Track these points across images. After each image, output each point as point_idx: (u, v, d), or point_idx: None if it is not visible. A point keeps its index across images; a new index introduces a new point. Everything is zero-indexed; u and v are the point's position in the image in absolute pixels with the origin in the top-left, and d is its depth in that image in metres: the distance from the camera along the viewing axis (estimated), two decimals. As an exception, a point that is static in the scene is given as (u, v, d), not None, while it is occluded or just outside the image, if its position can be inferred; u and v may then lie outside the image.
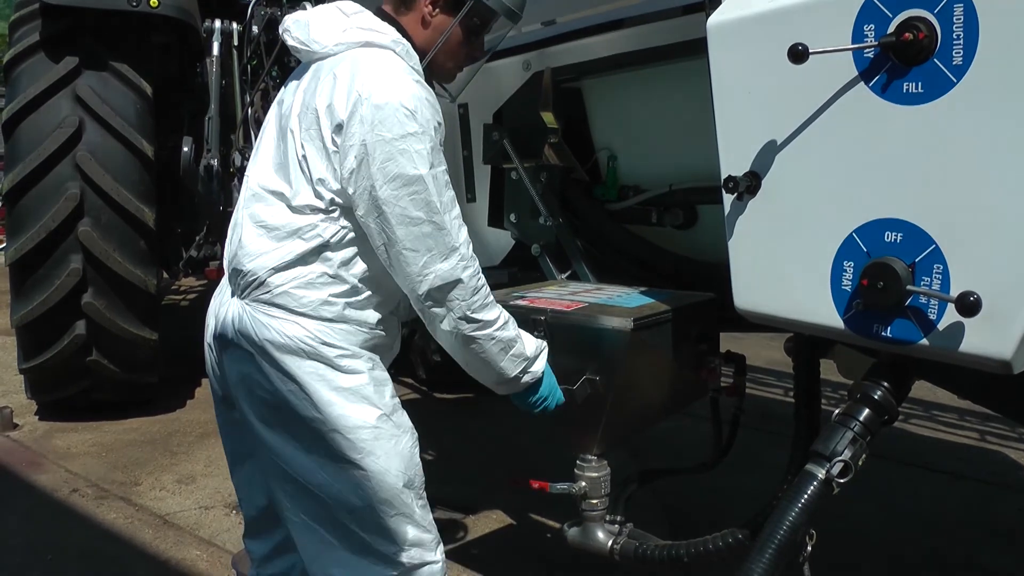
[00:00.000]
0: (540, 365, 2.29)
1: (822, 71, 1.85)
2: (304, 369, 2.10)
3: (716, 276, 2.34)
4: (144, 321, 5.41)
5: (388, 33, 2.20)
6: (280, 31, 2.30)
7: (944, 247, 1.75)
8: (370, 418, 2.14)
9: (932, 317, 1.77)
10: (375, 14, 2.26)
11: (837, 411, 1.97)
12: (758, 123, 1.98)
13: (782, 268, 1.99)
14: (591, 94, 3.37)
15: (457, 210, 2.12)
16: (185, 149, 5.10)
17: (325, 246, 2.10)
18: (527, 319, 2.43)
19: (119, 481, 4.68)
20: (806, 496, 1.85)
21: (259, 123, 5.57)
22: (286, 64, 5.71)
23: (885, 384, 1.96)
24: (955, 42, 1.71)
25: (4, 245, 5.84)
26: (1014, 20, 1.65)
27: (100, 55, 5.31)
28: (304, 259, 2.10)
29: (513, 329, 2.22)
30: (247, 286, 2.14)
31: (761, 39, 1.94)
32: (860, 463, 1.90)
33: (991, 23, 1.67)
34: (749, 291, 2.07)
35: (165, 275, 6.58)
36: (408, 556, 2.18)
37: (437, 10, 2.26)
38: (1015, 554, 4.03)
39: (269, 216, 2.13)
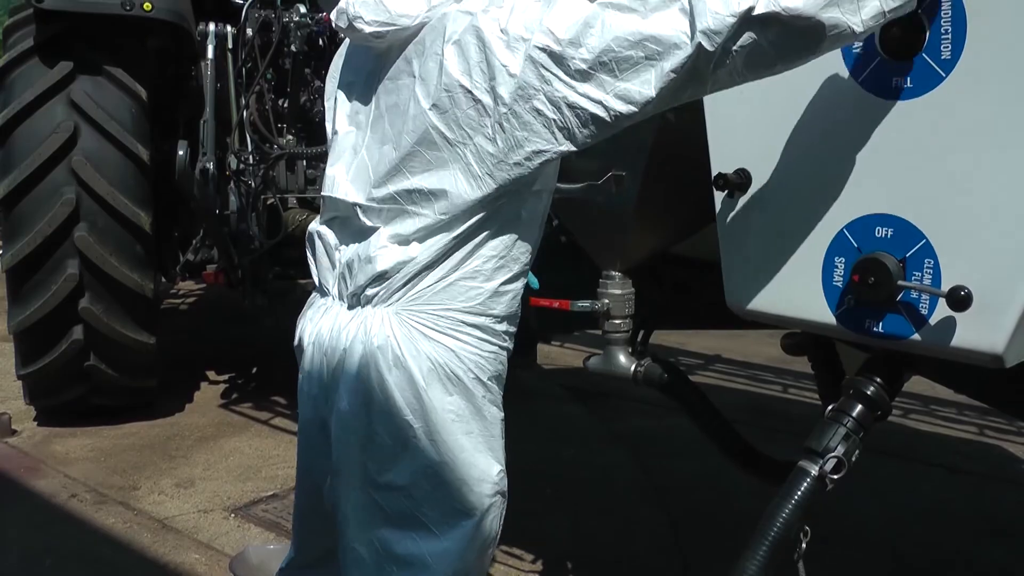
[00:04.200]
0: None
1: (810, 67, 1.84)
2: (445, 406, 1.92)
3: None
4: (142, 325, 5.41)
5: None
6: (338, 23, 1.97)
7: (935, 242, 1.75)
8: (493, 474, 2.00)
9: (924, 312, 1.77)
10: None
11: (830, 407, 1.97)
12: (747, 120, 1.98)
13: (773, 265, 1.99)
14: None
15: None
16: (180, 153, 5.08)
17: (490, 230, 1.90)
18: None
19: (118, 486, 4.67)
20: (799, 493, 1.85)
21: (254, 126, 5.56)
22: (281, 66, 5.71)
23: (878, 380, 1.96)
24: (943, 37, 1.72)
25: (0, 251, 5.84)
26: (1001, 14, 1.65)
27: (94, 60, 5.30)
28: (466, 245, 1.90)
29: None
30: (395, 290, 1.92)
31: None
32: (854, 459, 1.90)
33: (978, 17, 1.67)
34: (741, 289, 2.07)
35: (163, 279, 6.58)
36: None
37: None
38: (1013, 548, 4.03)
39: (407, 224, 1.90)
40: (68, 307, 5.14)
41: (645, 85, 1.69)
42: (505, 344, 2.03)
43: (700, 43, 1.61)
